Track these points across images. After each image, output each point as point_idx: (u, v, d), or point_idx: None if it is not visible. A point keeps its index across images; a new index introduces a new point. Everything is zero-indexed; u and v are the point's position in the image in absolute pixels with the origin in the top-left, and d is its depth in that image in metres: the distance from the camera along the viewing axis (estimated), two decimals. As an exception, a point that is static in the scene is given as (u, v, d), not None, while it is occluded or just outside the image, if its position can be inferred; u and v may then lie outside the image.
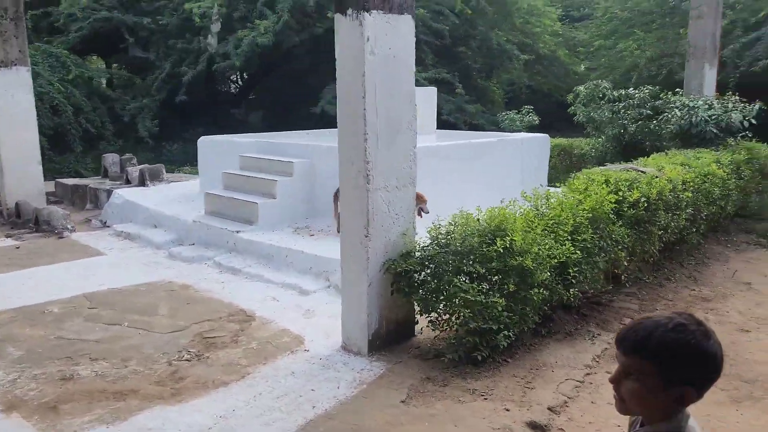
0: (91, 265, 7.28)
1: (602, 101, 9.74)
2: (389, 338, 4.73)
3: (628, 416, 1.63)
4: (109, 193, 10.22)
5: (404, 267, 4.55)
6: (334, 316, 5.42)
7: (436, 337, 4.66)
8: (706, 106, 8.65)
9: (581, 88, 10.22)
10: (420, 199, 5.71)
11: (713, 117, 8.48)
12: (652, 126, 9.40)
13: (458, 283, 4.25)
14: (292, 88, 19.82)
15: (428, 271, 4.52)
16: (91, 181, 11.54)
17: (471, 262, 4.35)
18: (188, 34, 17.68)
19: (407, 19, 4.52)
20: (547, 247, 4.56)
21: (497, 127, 17.34)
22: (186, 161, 17.28)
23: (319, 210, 7.94)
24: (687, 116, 8.48)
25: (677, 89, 9.85)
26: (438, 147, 8.47)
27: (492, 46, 19.27)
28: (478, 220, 4.68)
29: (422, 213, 6.03)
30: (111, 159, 12.03)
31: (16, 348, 4.77)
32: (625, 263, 5.46)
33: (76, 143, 16.16)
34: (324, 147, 8.09)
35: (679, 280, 6.46)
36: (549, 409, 3.79)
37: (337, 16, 4.41)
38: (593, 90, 9.85)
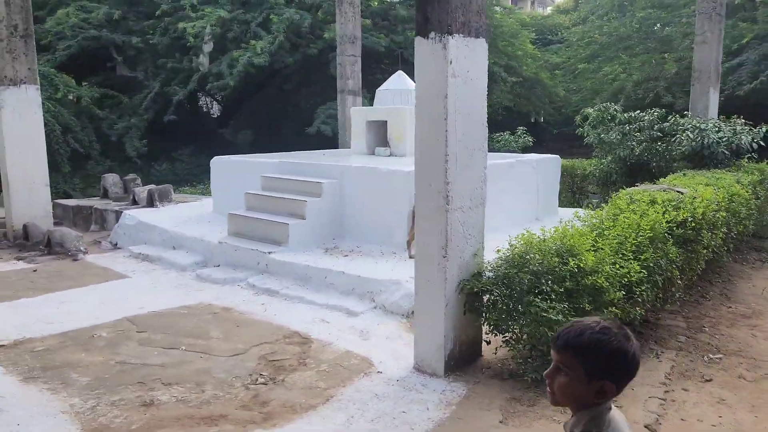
0: (120, 288, 7.12)
1: (612, 123, 9.96)
2: (461, 359, 4.73)
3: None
4: (117, 214, 10.02)
5: (480, 287, 4.58)
6: (391, 338, 5.43)
7: (512, 357, 4.68)
8: (716, 129, 8.93)
9: (590, 110, 10.43)
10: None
11: (724, 139, 8.76)
12: (659, 147, 9.65)
13: (538, 303, 4.29)
14: (281, 107, 19.78)
15: (501, 290, 4.55)
16: (95, 202, 11.29)
17: (549, 282, 4.40)
18: (178, 54, 17.54)
19: (482, 42, 4.60)
20: (617, 266, 4.65)
21: (485, 147, 17.54)
22: (175, 181, 17.01)
23: (346, 230, 7.92)
24: (699, 138, 8.73)
25: (685, 112, 10.15)
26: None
27: (479, 68, 19.50)
28: (544, 240, 4.77)
29: None
30: (112, 180, 11.82)
31: (80, 374, 4.63)
32: (679, 281, 5.58)
33: (65, 163, 15.81)
34: (352, 167, 8.08)
35: (713, 297, 6.62)
36: (646, 427, 3.84)
37: (418, 39, 4.46)
38: (603, 112, 10.07)
